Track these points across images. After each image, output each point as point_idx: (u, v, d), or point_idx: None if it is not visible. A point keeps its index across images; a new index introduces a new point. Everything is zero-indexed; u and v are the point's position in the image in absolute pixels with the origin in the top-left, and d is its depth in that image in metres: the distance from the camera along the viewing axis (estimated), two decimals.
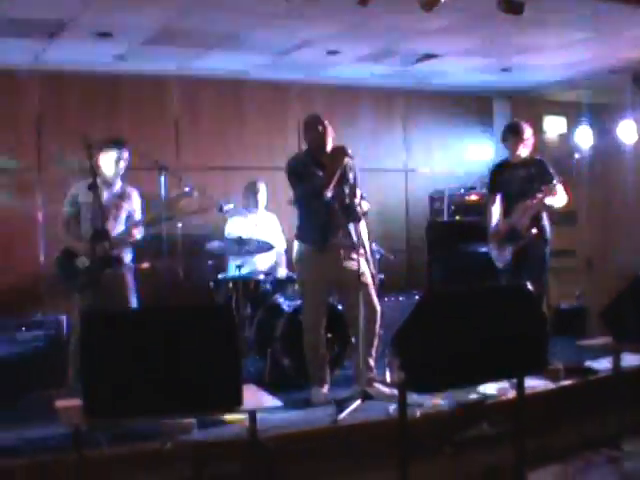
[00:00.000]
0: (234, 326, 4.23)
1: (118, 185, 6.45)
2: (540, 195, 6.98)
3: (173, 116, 8.64)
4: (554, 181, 7.08)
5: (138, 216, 6.46)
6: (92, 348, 3.92)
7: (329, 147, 6.26)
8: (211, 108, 8.79)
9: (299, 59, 8.01)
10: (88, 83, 8.15)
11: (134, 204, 6.49)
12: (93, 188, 5.72)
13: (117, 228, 6.30)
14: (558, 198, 7.03)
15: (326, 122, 6.34)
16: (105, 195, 6.25)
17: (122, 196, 6.43)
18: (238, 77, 8.72)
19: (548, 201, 6.98)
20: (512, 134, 7.23)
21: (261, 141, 8.99)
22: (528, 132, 7.23)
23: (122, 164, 6.38)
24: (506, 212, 7.23)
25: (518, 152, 7.18)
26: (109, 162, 6.32)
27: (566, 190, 7.11)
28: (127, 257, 6.47)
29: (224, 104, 8.87)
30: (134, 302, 6.43)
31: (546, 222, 7.13)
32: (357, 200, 6.09)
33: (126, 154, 6.40)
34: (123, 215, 6.41)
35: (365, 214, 6.28)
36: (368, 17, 6.60)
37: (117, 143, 6.37)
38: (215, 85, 8.80)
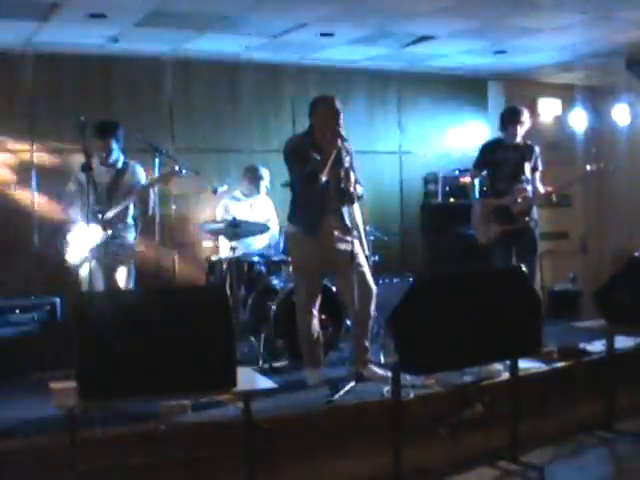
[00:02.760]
0: (228, 308, 4.23)
1: (120, 162, 6.54)
2: (549, 190, 7.08)
3: (167, 98, 8.61)
4: (539, 169, 7.22)
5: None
6: (86, 330, 3.92)
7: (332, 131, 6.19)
8: (205, 90, 8.76)
9: (293, 41, 7.97)
10: (82, 65, 8.11)
11: (137, 177, 6.56)
12: (86, 169, 5.72)
13: (117, 204, 6.38)
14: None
15: (337, 106, 6.19)
16: (107, 174, 6.42)
17: (123, 172, 6.51)
18: (232, 59, 8.68)
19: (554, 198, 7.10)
20: (511, 118, 7.27)
21: (255, 123, 8.97)
22: (526, 116, 7.29)
23: (114, 149, 6.49)
24: (496, 191, 7.29)
25: (516, 136, 7.24)
26: (101, 150, 6.44)
27: (543, 180, 7.25)
28: (130, 236, 6.59)
29: (218, 86, 8.84)
30: (132, 281, 6.54)
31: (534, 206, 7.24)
32: (351, 183, 6.06)
33: (112, 143, 6.47)
34: (124, 190, 6.44)
35: (360, 198, 6.25)
36: None
37: (102, 132, 6.44)
38: (209, 67, 8.76)
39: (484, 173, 7.43)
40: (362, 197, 6.32)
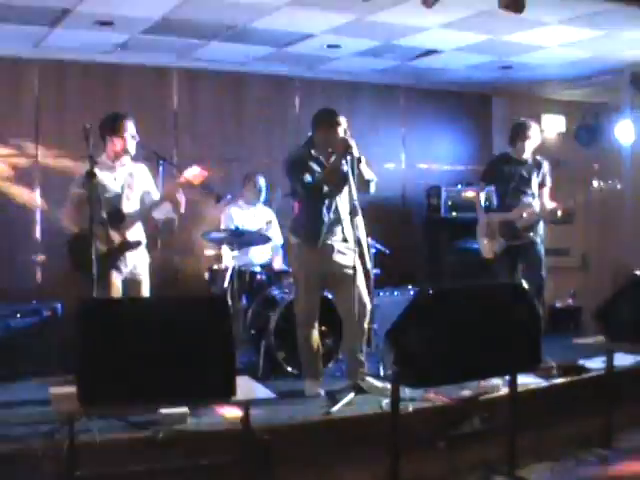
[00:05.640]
0: (229, 317, 4.24)
1: (129, 163, 6.12)
2: (555, 207, 7.08)
3: (172, 107, 8.64)
4: (548, 185, 7.22)
5: (155, 195, 6.13)
6: (88, 336, 3.93)
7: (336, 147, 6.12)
8: (211, 100, 8.79)
9: (299, 52, 8.01)
10: (88, 72, 8.14)
11: (147, 181, 6.19)
12: (90, 177, 5.61)
13: (131, 207, 6.01)
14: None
15: (343, 121, 6.16)
16: (119, 175, 6.02)
17: (133, 174, 6.11)
18: (238, 69, 8.72)
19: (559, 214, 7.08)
20: (520, 133, 7.24)
21: (260, 133, 8.99)
22: (535, 131, 7.27)
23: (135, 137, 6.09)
24: (503, 206, 7.27)
25: (524, 151, 7.22)
26: (129, 136, 6.00)
27: (552, 196, 7.25)
28: (144, 240, 6.16)
29: (224, 96, 8.86)
30: (148, 288, 6.16)
31: (542, 222, 7.22)
32: (354, 195, 6.02)
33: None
34: (137, 194, 6.10)
35: (370, 182, 6.22)
36: (369, 11, 6.61)
37: (127, 115, 6.06)
38: (215, 77, 8.80)
39: (491, 187, 7.39)
40: (372, 181, 6.26)
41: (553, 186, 7.36)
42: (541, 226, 7.23)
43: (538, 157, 7.36)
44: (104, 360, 3.90)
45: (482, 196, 7.41)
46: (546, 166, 7.32)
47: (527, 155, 7.26)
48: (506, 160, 7.36)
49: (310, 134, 6.33)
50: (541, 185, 7.27)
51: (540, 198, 7.26)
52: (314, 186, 6.08)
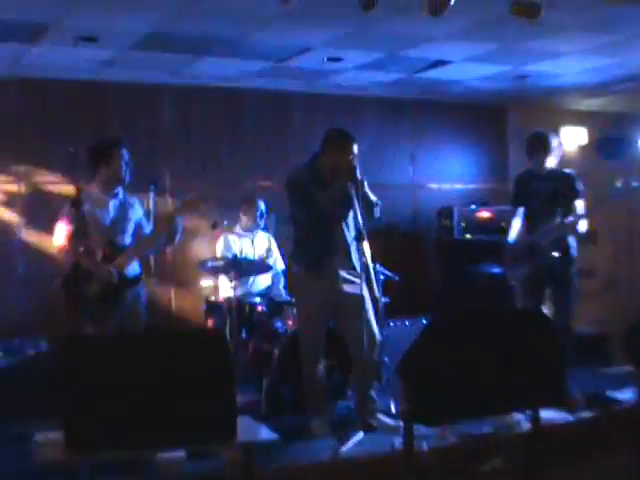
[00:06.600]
0: (228, 353, 4.22)
1: (121, 194, 6.18)
2: (572, 220, 7.01)
3: (164, 127, 8.66)
4: (578, 198, 7.12)
5: (147, 229, 6.23)
6: (74, 376, 3.92)
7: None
8: (204, 119, 8.81)
9: (298, 66, 8.03)
10: (72, 91, 8.17)
11: (140, 213, 6.27)
12: (77, 205, 5.65)
13: (126, 240, 6.09)
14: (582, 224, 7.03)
15: (354, 148, 6.14)
16: (112, 206, 6.09)
17: (126, 205, 6.18)
18: (234, 85, 8.74)
19: (579, 227, 6.98)
20: (539, 145, 7.20)
21: (258, 154, 9.01)
22: (555, 142, 7.22)
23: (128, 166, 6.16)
24: (528, 226, 7.22)
25: (545, 164, 7.18)
26: (124, 164, 6.06)
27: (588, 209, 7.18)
28: (138, 271, 6.21)
29: (219, 114, 8.89)
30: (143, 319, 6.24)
31: (572, 240, 7.10)
32: (360, 219, 6.00)
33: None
34: (131, 226, 6.17)
35: (375, 206, 6.21)
36: (371, 22, 6.63)
37: (121, 142, 6.13)
38: (209, 94, 8.82)
39: (522, 210, 7.30)
40: (377, 204, 6.27)
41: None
42: (572, 244, 7.12)
43: (566, 170, 7.28)
44: (93, 402, 3.88)
45: (517, 222, 7.30)
46: (574, 178, 7.21)
47: (550, 168, 7.21)
48: (531, 176, 7.29)
49: (317, 151, 6.32)
50: (570, 199, 7.16)
51: (569, 213, 7.15)
52: (317, 211, 6.06)
